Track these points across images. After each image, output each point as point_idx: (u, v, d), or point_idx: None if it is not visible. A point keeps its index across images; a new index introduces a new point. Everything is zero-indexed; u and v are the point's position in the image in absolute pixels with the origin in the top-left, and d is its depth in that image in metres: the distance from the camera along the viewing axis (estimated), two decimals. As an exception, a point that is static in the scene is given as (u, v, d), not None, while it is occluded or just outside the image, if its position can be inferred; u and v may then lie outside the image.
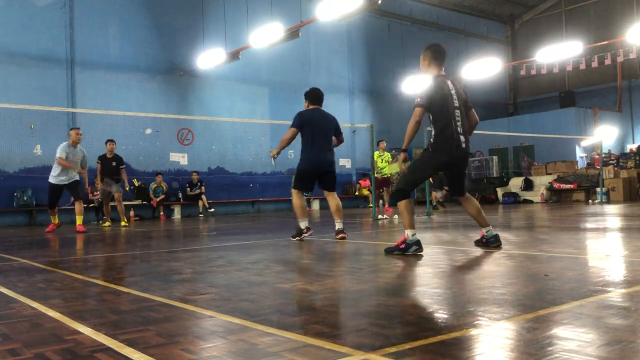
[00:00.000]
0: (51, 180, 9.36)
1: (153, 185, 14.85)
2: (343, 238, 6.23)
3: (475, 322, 2.25)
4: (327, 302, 2.77)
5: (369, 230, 8.34)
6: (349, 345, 1.97)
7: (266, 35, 13.42)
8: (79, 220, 9.54)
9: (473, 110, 4.92)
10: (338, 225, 6.35)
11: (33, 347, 2.10)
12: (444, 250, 5.03)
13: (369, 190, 18.15)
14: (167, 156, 15.72)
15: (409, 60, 21.56)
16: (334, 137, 6.56)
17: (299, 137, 6.45)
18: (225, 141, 16.84)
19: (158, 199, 14.74)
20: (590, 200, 16.71)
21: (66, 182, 9.35)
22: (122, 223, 11.21)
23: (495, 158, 21.10)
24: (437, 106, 4.62)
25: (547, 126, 20.40)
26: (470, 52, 22.74)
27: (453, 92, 4.69)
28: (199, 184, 15.57)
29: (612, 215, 9.81)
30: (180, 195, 15.79)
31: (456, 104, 4.64)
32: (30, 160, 13.42)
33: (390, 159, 13.99)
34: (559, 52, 17.46)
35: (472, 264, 4.05)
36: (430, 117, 4.71)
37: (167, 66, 15.98)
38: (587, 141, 20.40)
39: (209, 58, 15.10)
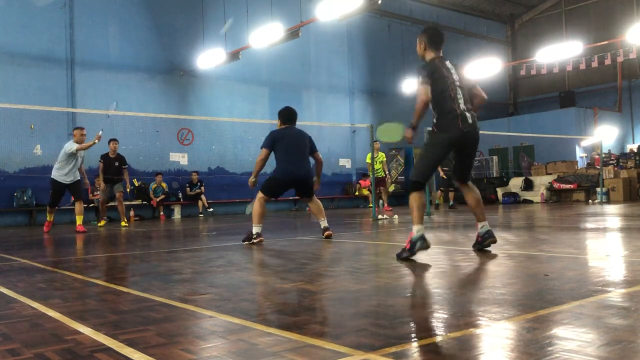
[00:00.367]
0: (56, 178, 9.29)
1: (153, 185, 14.85)
2: (330, 235, 6.46)
3: (475, 322, 2.25)
4: (327, 302, 2.77)
5: (369, 230, 8.34)
6: (349, 345, 1.97)
7: (266, 35, 13.42)
8: (79, 220, 9.56)
9: (478, 87, 4.66)
10: (324, 224, 6.58)
11: (33, 347, 2.10)
12: (444, 250, 5.03)
13: (369, 190, 18.16)
14: (167, 156, 15.73)
15: (409, 60, 21.56)
16: (311, 158, 6.69)
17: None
18: (225, 141, 16.84)
19: (158, 199, 14.75)
20: (590, 200, 16.71)
21: (67, 182, 9.35)
22: (122, 223, 11.20)
23: (495, 158, 21.10)
24: (436, 87, 4.38)
25: (547, 126, 20.40)
26: (470, 52, 22.73)
27: (452, 71, 4.46)
28: (198, 184, 15.58)
29: (612, 215, 9.81)
30: (180, 195, 15.79)
31: (457, 82, 4.41)
32: (30, 160, 13.42)
33: (385, 159, 14.03)
34: (559, 52, 17.47)
35: (472, 264, 4.05)
36: (431, 101, 4.44)
37: (167, 66, 15.98)
38: (587, 141, 20.40)
39: (209, 58, 15.10)
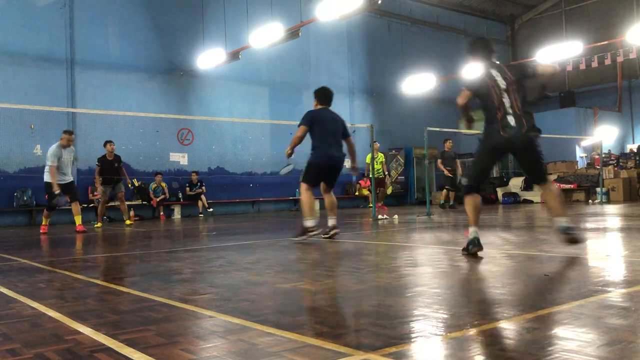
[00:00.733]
0: (47, 180, 9.22)
1: (153, 185, 14.85)
2: (337, 233, 6.39)
3: (475, 322, 2.25)
4: (327, 302, 2.77)
5: (369, 230, 8.33)
6: (349, 345, 1.97)
7: (266, 35, 13.42)
8: (78, 220, 9.54)
9: (539, 65, 4.75)
10: (332, 222, 6.46)
11: (33, 347, 2.10)
12: (444, 250, 5.03)
13: (369, 190, 18.16)
14: (167, 156, 15.72)
15: (409, 60, 21.56)
16: (344, 140, 6.61)
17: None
18: (225, 141, 16.84)
19: (158, 199, 14.75)
20: (590, 200, 16.71)
21: (63, 182, 9.31)
22: (127, 222, 11.30)
23: (495, 158, 21.06)
24: (482, 96, 4.57)
25: (547, 126, 20.31)
26: (470, 52, 22.68)
27: (498, 77, 4.53)
28: (198, 183, 15.59)
29: (612, 215, 9.81)
30: (180, 195, 15.79)
31: (503, 86, 4.48)
32: (30, 160, 13.41)
33: (384, 160, 14.06)
34: (559, 52, 17.46)
35: (472, 264, 4.05)
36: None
37: (167, 66, 15.98)
38: (587, 141, 20.40)
39: (209, 58, 15.10)
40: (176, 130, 15.98)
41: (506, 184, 19.45)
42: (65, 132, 9.59)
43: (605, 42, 18.26)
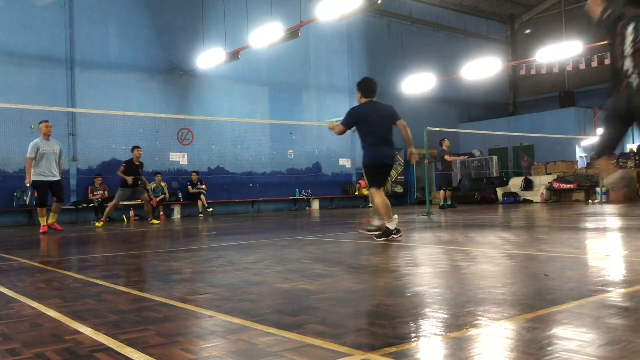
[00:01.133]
0: (35, 177, 9.03)
1: (153, 185, 14.85)
2: (401, 236, 5.95)
3: (475, 322, 2.25)
4: (327, 302, 2.77)
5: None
6: (349, 345, 1.97)
7: (266, 35, 13.42)
8: (52, 218, 9.35)
9: None
10: (393, 225, 5.96)
11: (33, 347, 2.10)
12: (444, 250, 5.03)
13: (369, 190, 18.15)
14: (167, 156, 15.73)
15: (409, 60, 21.56)
16: (395, 126, 6.16)
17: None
18: (225, 141, 16.84)
19: (158, 199, 14.74)
20: (590, 201, 16.71)
21: (51, 180, 9.12)
22: (155, 222, 11.49)
23: (495, 158, 21.11)
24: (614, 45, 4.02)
25: (547, 126, 20.41)
26: (470, 52, 22.73)
27: (631, 35, 3.94)
28: (199, 183, 15.62)
29: (612, 215, 9.81)
30: (180, 195, 15.80)
31: (628, 50, 3.92)
32: (30, 160, 13.40)
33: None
34: (559, 52, 17.46)
35: (472, 264, 4.05)
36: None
37: (167, 66, 15.99)
38: (587, 141, 20.40)
39: (209, 58, 15.10)
40: (176, 130, 15.99)
41: (506, 184, 19.45)
42: (41, 122, 9.29)
43: (605, 42, 18.22)
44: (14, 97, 12.77)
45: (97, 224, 11.38)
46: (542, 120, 21.63)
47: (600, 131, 4.35)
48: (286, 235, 7.54)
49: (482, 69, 18.97)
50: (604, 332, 2.03)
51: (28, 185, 9.24)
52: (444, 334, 2.10)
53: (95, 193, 13.95)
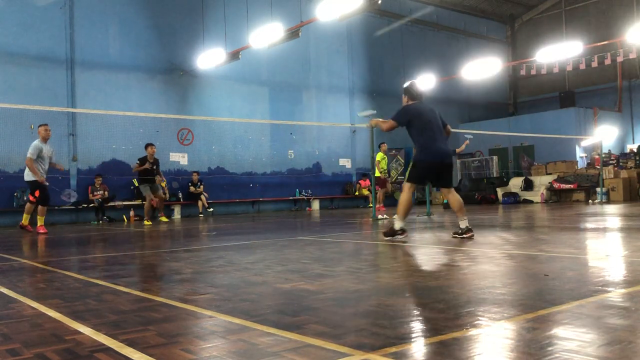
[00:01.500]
0: (35, 178, 9.25)
1: (153, 185, 14.85)
2: (472, 236, 5.78)
3: (475, 322, 2.25)
4: (327, 302, 2.77)
5: (369, 230, 8.33)
6: (349, 345, 1.97)
7: (266, 35, 13.42)
8: (26, 220, 9.59)
9: None
10: (465, 224, 5.83)
11: (33, 347, 2.10)
12: (444, 250, 5.03)
13: (368, 190, 18.15)
14: (167, 156, 15.72)
15: (409, 60, 21.57)
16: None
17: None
18: (225, 141, 16.84)
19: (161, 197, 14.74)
20: (590, 200, 16.71)
21: (46, 183, 9.38)
22: (163, 219, 11.79)
23: (495, 158, 21.11)
24: None
25: (547, 126, 20.41)
26: (470, 52, 22.74)
27: None
28: (199, 183, 15.64)
29: (612, 215, 9.81)
30: (180, 195, 15.80)
31: None
32: (30, 160, 13.41)
33: (385, 159, 14.16)
34: (559, 52, 17.47)
35: (472, 264, 4.05)
36: None
37: (167, 66, 15.99)
38: (587, 141, 20.41)
39: (209, 58, 15.10)
40: (176, 130, 15.99)
41: (506, 184, 19.46)
42: (41, 125, 9.55)
43: (605, 42, 18.26)
44: (14, 97, 12.77)
45: (145, 223, 11.58)
46: (542, 120, 21.63)
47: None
48: (286, 235, 7.54)
49: (482, 69, 18.97)
50: (604, 332, 2.03)
51: (47, 183, 9.44)
52: (444, 334, 2.10)
53: (95, 193, 13.95)
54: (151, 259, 5.27)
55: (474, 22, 24.74)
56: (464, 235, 5.76)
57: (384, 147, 12.75)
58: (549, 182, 18.36)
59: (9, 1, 13.58)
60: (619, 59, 18.48)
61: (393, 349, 1.90)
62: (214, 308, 2.71)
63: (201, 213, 15.47)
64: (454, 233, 5.94)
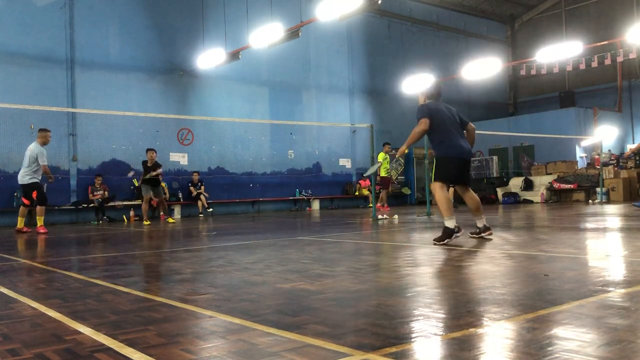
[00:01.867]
0: (37, 180, 9.56)
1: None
2: (491, 234, 5.71)
3: (475, 322, 2.25)
4: (327, 302, 2.77)
5: (369, 230, 8.33)
6: (349, 345, 1.97)
7: (266, 35, 13.42)
8: (40, 221, 9.68)
9: None
10: (482, 222, 5.74)
11: (33, 347, 2.10)
12: (444, 250, 5.03)
13: (368, 190, 18.15)
14: (167, 156, 15.72)
15: (409, 60, 21.56)
16: (464, 129, 5.92)
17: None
18: (225, 141, 16.84)
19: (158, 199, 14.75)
20: (590, 200, 16.71)
21: (37, 182, 9.60)
22: (170, 220, 11.94)
23: (495, 158, 21.11)
24: None
25: (547, 126, 20.41)
26: (470, 52, 22.74)
27: None
28: (199, 183, 15.64)
29: (612, 215, 9.81)
30: (180, 195, 15.80)
31: None
32: (30, 160, 13.41)
33: (395, 160, 14.27)
34: (559, 52, 17.46)
35: (472, 264, 4.05)
36: None
37: (167, 66, 15.99)
38: (587, 141, 20.40)
39: (209, 58, 15.10)
40: (176, 130, 15.99)
41: (506, 184, 19.46)
42: (45, 129, 9.79)
43: (605, 42, 18.25)
44: (14, 97, 12.76)
45: (145, 223, 11.56)
46: (542, 120, 21.63)
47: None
48: (286, 235, 7.54)
49: (482, 69, 18.97)
50: (604, 332, 2.03)
51: (52, 180, 9.85)
52: (444, 334, 2.10)
53: (95, 193, 13.95)
54: (151, 259, 5.27)
55: (474, 22, 24.74)
56: (483, 234, 5.69)
57: (387, 147, 12.79)
58: (549, 182, 18.36)
59: (9, 1, 13.58)
60: (619, 59, 18.48)
61: (393, 349, 1.90)
62: (214, 308, 2.71)
63: (201, 213, 15.47)
64: (472, 232, 5.88)
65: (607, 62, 18.69)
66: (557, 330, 2.09)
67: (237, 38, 15.60)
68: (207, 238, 7.81)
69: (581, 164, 20.16)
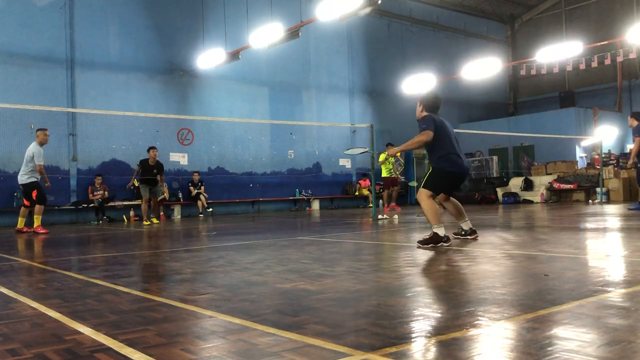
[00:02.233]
0: (36, 179, 9.56)
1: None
2: (477, 237, 5.75)
3: (475, 322, 2.25)
4: (327, 302, 2.77)
5: (369, 230, 8.33)
6: (349, 345, 1.97)
7: (266, 35, 13.42)
8: (37, 220, 9.68)
9: None
10: (468, 225, 5.80)
11: (33, 347, 2.10)
12: (444, 250, 5.03)
13: (368, 190, 18.15)
14: (167, 156, 15.72)
15: (409, 60, 21.55)
16: None
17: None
18: (225, 141, 16.84)
19: (158, 199, 14.74)
20: (590, 201, 16.70)
21: (36, 181, 9.61)
22: (154, 221, 11.69)
23: (495, 158, 21.11)
24: None
25: (547, 126, 20.40)
26: (470, 52, 22.73)
27: None
28: (199, 183, 15.65)
29: (612, 215, 9.81)
30: (180, 195, 15.80)
31: None
32: (30, 160, 13.41)
33: (394, 160, 14.23)
34: (559, 52, 17.46)
35: (472, 264, 4.05)
36: None
37: (167, 66, 15.98)
38: (587, 141, 20.39)
39: (209, 58, 15.10)
40: (176, 130, 15.99)
41: (506, 184, 19.46)
42: (40, 129, 9.77)
43: (605, 42, 18.25)
44: (14, 97, 12.76)
45: (145, 223, 11.53)
46: (542, 120, 21.62)
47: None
48: (286, 235, 7.54)
49: (482, 69, 18.96)
50: (604, 332, 2.03)
51: (48, 184, 9.78)
52: (444, 334, 2.10)
53: (95, 193, 13.95)
54: (151, 259, 5.27)
55: (474, 22, 24.74)
56: (468, 237, 5.73)
57: (390, 148, 12.79)
58: (549, 182, 18.36)
59: (9, 1, 13.58)
60: (619, 59, 18.48)
61: (393, 349, 1.90)
62: (214, 308, 2.71)
63: (201, 213, 15.47)
64: (455, 233, 5.92)
65: (607, 62, 18.69)
66: (557, 330, 2.09)
67: (237, 38, 15.60)
68: (207, 238, 7.81)
69: (581, 164, 20.15)
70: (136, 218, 13.86)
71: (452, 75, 21.15)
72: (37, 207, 9.63)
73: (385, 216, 10.93)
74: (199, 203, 15.45)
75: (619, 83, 22.98)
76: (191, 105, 16.39)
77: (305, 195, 18.21)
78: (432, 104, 5.90)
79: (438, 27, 23.29)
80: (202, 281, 3.67)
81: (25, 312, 2.78)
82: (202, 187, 15.70)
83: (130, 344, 2.08)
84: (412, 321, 2.35)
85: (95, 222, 13.38)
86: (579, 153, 20.98)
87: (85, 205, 13.93)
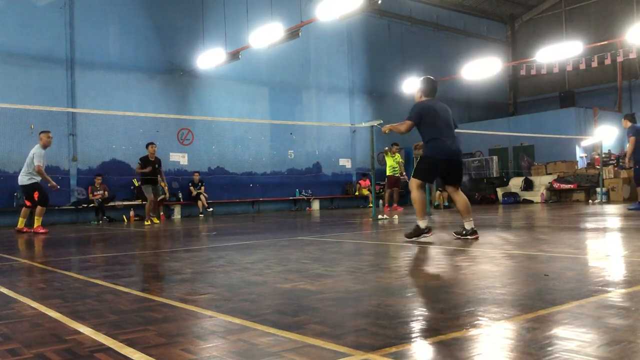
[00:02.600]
0: (37, 180, 9.54)
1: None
2: (477, 238, 5.68)
3: (475, 322, 2.25)
4: (327, 302, 2.77)
5: (369, 230, 8.33)
6: (349, 345, 1.97)
7: (266, 35, 13.42)
8: (38, 221, 9.68)
9: None
10: (470, 225, 5.74)
11: (33, 347, 2.10)
12: (444, 250, 5.03)
13: (368, 190, 18.15)
14: (167, 156, 15.72)
15: (409, 60, 21.56)
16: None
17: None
18: (225, 141, 16.84)
19: (158, 199, 14.73)
20: (590, 201, 16.70)
21: (37, 182, 9.60)
22: (148, 222, 11.56)
23: (495, 158, 21.10)
24: None
25: (547, 126, 20.39)
26: (470, 52, 22.73)
27: None
28: (199, 184, 15.65)
29: (612, 215, 9.81)
30: (180, 195, 15.80)
31: None
32: (30, 160, 13.41)
33: (401, 160, 14.29)
34: (559, 52, 17.46)
35: (472, 264, 4.05)
36: None
37: (167, 66, 15.99)
38: (587, 141, 20.39)
39: (209, 58, 15.10)
40: (176, 130, 15.99)
41: (506, 184, 19.45)
42: (43, 131, 9.74)
43: (605, 42, 18.26)
44: (14, 97, 12.76)
45: (146, 223, 11.51)
46: (542, 120, 21.61)
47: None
48: (286, 235, 7.54)
49: (482, 69, 18.97)
50: (604, 332, 2.03)
51: (57, 186, 9.81)
52: (444, 334, 2.10)
53: (95, 193, 13.96)
54: (151, 259, 5.27)
55: (474, 22, 24.74)
56: (469, 237, 5.71)
57: (395, 147, 12.86)
58: (549, 182, 18.36)
59: (9, 1, 13.58)
60: (619, 59, 18.48)
61: (393, 349, 1.90)
62: (214, 308, 2.71)
63: (201, 213, 15.47)
64: (456, 232, 5.92)
65: (607, 62, 18.70)
66: (557, 330, 2.09)
67: (237, 38, 15.61)
68: (207, 238, 7.81)
69: (581, 164, 20.15)
70: (136, 218, 13.86)
71: (452, 75, 21.15)
72: (39, 209, 9.62)
73: (385, 216, 10.92)
74: (199, 203, 15.46)
75: (619, 83, 22.97)
76: (191, 105, 16.39)
77: (305, 195, 18.21)
78: (429, 88, 5.99)
79: (438, 27, 23.29)
80: (202, 281, 3.67)
81: (25, 312, 2.78)
82: (203, 187, 15.71)
83: (131, 344, 2.08)
84: (412, 321, 2.35)
85: (95, 222, 13.38)
86: (579, 153, 20.98)
87: (85, 205, 13.94)
